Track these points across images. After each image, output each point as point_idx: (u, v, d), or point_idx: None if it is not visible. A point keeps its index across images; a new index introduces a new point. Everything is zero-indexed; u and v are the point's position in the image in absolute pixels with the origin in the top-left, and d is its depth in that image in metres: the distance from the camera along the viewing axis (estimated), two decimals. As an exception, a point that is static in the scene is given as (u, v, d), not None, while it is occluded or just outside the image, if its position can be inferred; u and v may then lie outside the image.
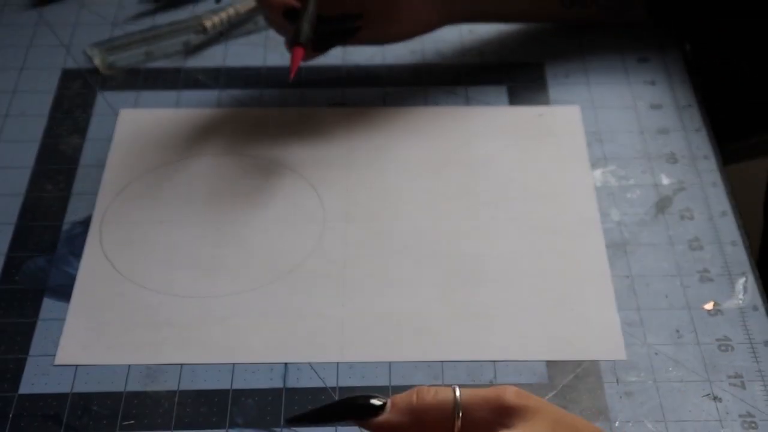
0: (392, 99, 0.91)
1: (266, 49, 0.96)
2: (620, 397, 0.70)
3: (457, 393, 0.52)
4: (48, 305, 0.76)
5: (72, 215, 0.82)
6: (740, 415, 0.69)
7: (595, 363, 0.72)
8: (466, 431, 0.52)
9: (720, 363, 0.72)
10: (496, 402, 0.52)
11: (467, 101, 0.91)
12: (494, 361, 0.72)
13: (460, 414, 0.52)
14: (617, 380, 0.71)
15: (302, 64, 0.83)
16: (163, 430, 0.69)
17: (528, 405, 0.52)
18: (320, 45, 0.85)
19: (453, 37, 0.97)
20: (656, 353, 0.73)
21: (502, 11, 0.92)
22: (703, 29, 0.96)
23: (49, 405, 0.70)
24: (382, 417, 0.53)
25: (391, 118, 0.89)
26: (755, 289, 0.76)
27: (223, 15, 0.96)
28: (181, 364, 0.72)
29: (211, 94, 0.92)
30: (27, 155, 0.87)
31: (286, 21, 0.82)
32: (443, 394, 0.52)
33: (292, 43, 0.81)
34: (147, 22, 0.99)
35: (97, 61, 0.95)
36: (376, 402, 0.53)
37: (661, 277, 0.77)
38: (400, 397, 0.53)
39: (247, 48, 0.96)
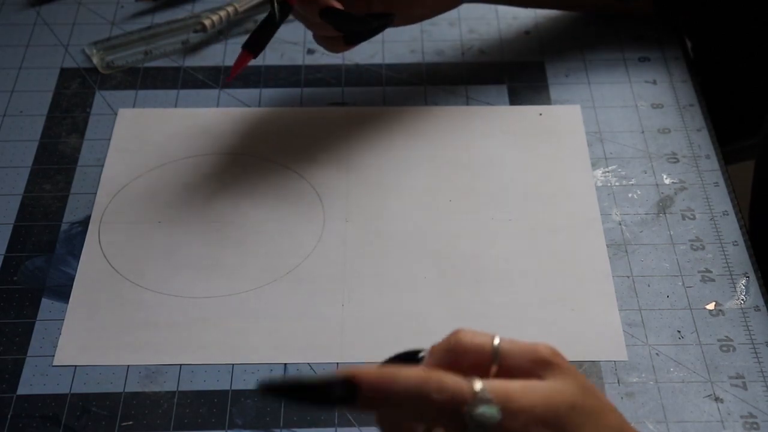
0: (392, 99, 0.91)
1: (266, 48, 0.96)
2: (621, 397, 0.70)
3: (496, 341, 0.53)
4: (46, 305, 0.76)
5: (70, 215, 0.82)
6: (742, 416, 0.69)
7: (596, 363, 0.72)
8: (500, 376, 0.52)
9: (721, 363, 0.72)
10: (532, 354, 0.53)
11: (467, 101, 0.91)
12: (495, 361, 0.72)
13: (497, 360, 0.52)
14: (618, 381, 0.71)
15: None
16: (162, 430, 0.69)
17: (562, 364, 0.53)
18: (350, 40, 0.83)
19: (453, 36, 0.97)
20: (657, 354, 0.72)
21: None
22: (706, 28, 0.96)
23: (48, 405, 0.70)
24: (423, 364, 0.53)
25: (391, 118, 0.89)
26: (757, 289, 0.76)
27: (222, 14, 0.96)
28: (180, 365, 0.72)
29: (211, 94, 0.92)
30: (25, 155, 0.87)
31: (322, 20, 0.81)
32: (481, 339, 0.53)
33: (242, 46, 0.81)
34: (146, 21, 0.99)
35: (96, 61, 0.94)
36: (417, 353, 0.54)
37: (663, 277, 0.77)
38: (438, 344, 0.54)
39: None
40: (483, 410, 0.49)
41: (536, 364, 0.53)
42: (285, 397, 0.50)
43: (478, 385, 0.50)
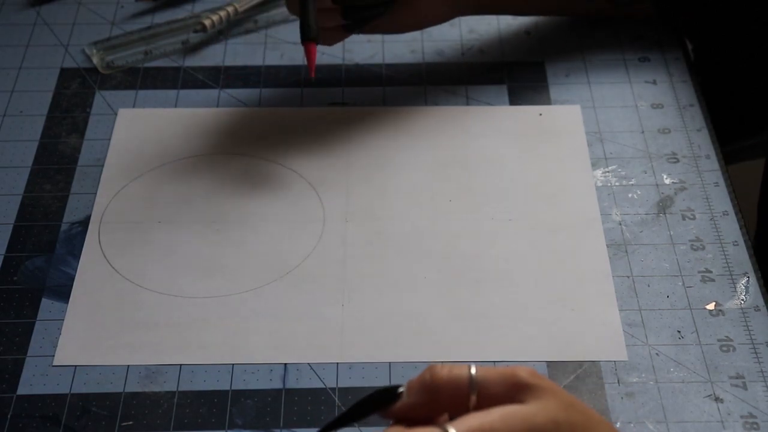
0: (392, 99, 0.91)
1: (266, 49, 0.96)
2: (621, 397, 0.70)
3: (473, 370, 0.52)
4: (47, 305, 0.76)
5: (70, 215, 0.82)
6: (742, 416, 0.69)
7: (596, 363, 0.72)
8: (480, 407, 0.52)
9: (721, 363, 0.72)
10: (511, 379, 0.52)
11: (467, 101, 0.91)
12: (495, 361, 0.72)
13: (476, 389, 0.52)
14: (618, 381, 0.71)
15: (316, 61, 0.81)
16: (162, 430, 0.69)
17: (542, 384, 0.52)
18: (350, 27, 0.84)
19: (453, 36, 0.96)
20: (657, 354, 0.72)
21: (513, 4, 0.92)
22: (707, 29, 0.96)
23: (48, 406, 0.70)
24: (400, 403, 0.53)
25: (391, 118, 0.89)
26: (757, 289, 0.76)
27: (222, 14, 0.96)
28: (180, 365, 0.72)
29: (211, 94, 0.92)
30: (25, 155, 0.87)
31: (334, 4, 0.82)
32: (458, 371, 0.52)
33: (303, 41, 0.80)
34: (146, 21, 0.99)
35: (96, 61, 0.94)
36: (390, 394, 0.53)
37: (663, 277, 0.77)
38: (415, 379, 0.53)
39: (247, 47, 0.96)
40: None
41: (515, 389, 0.52)
42: None
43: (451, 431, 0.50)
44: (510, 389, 0.52)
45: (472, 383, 0.52)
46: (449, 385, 0.52)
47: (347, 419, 0.54)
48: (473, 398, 0.52)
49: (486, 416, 0.51)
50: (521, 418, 0.51)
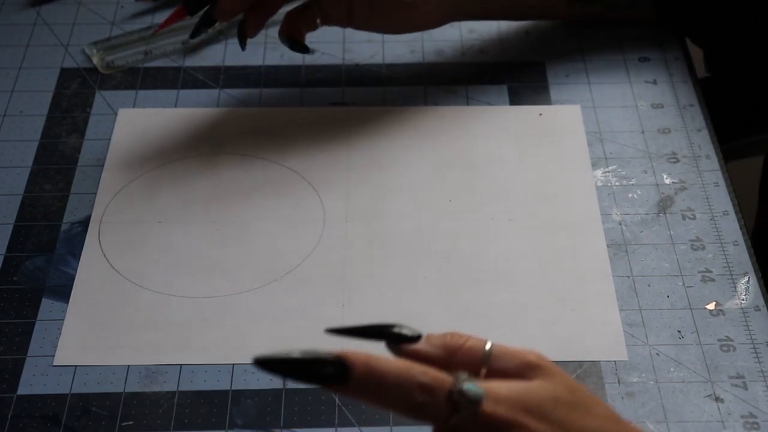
0: (392, 99, 0.91)
1: (266, 49, 0.96)
2: (621, 397, 0.70)
3: (488, 345, 0.55)
4: (47, 305, 0.76)
5: (71, 215, 0.82)
6: (742, 416, 0.69)
7: (596, 363, 0.72)
8: (489, 377, 0.54)
9: (722, 363, 0.72)
10: (520, 357, 0.55)
11: (467, 101, 0.91)
12: (495, 361, 0.72)
13: (487, 363, 0.54)
14: (618, 381, 0.71)
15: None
16: (162, 430, 0.69)
17: (549, 366, 0.55)
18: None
19: (453, 36, 0.96)
20: (658, 353, 0.72)
21: (509, 9, 0.92)
22: (707, 29, 0.96)
23: (48, 406, 0.70)
24: (417, 345, 0.55)
25: (391, 118, 0.89)
26: (757, 289, 0.76)
27: (223, 14, 0.96)
28: (181, 365, 0.72)
29: (211, 94, 0.92)
30: (25, 155, 0.87)
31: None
32: (475, 341, 0.55)
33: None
34: (146, 21, 0.99)
35: (96, 61, 0.94)
36: (409, 333, 0.55)
37: (663, 277, 0.77)
38: (435, 335, 0.55)
39: (247, 47, 0.96)
40: (469, 386, 0.51)
41: (523, 367, 0.54)
42: (278, 373, 0.52)
43: (459, 373, 0.52)
44: (518, 367, 0.54)
45: (485, 356, 0.54)
46: (465, 350, 0.55)
47: (360, 332, 0.55)
48: (483, 371, 0.54)
49: (493, 380, 0.53)
50: (524, 387, 0.53)
